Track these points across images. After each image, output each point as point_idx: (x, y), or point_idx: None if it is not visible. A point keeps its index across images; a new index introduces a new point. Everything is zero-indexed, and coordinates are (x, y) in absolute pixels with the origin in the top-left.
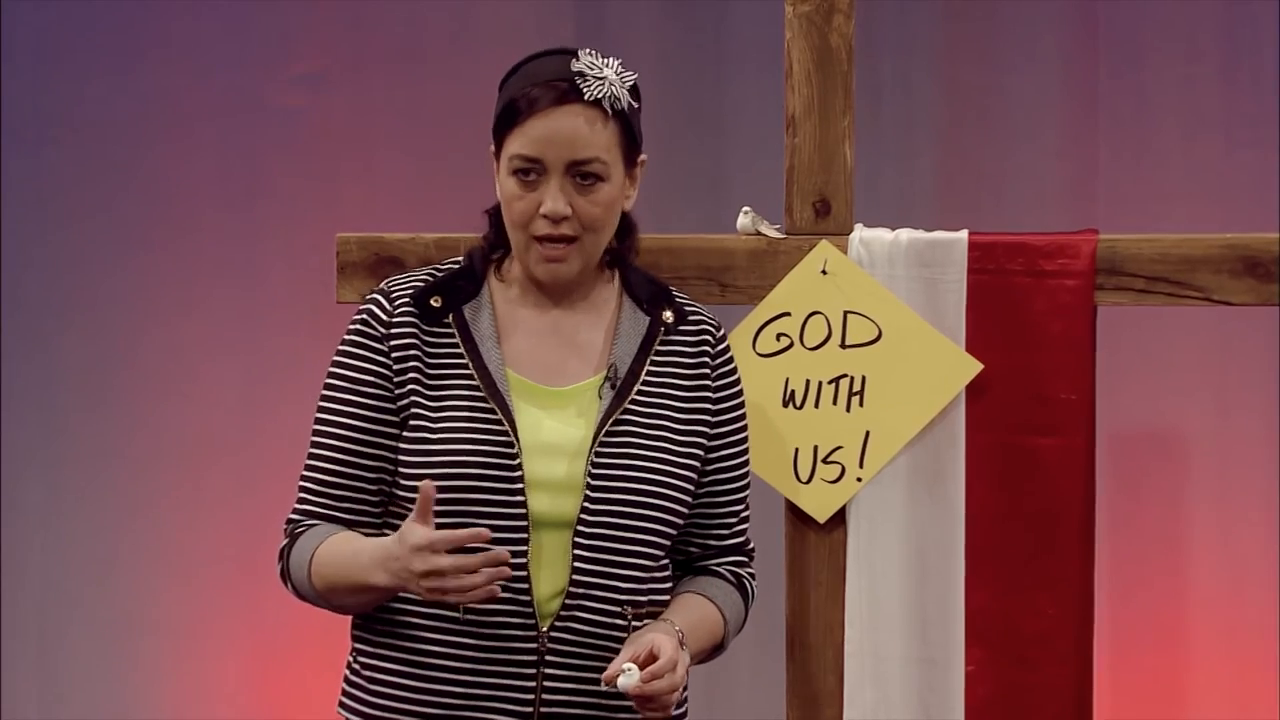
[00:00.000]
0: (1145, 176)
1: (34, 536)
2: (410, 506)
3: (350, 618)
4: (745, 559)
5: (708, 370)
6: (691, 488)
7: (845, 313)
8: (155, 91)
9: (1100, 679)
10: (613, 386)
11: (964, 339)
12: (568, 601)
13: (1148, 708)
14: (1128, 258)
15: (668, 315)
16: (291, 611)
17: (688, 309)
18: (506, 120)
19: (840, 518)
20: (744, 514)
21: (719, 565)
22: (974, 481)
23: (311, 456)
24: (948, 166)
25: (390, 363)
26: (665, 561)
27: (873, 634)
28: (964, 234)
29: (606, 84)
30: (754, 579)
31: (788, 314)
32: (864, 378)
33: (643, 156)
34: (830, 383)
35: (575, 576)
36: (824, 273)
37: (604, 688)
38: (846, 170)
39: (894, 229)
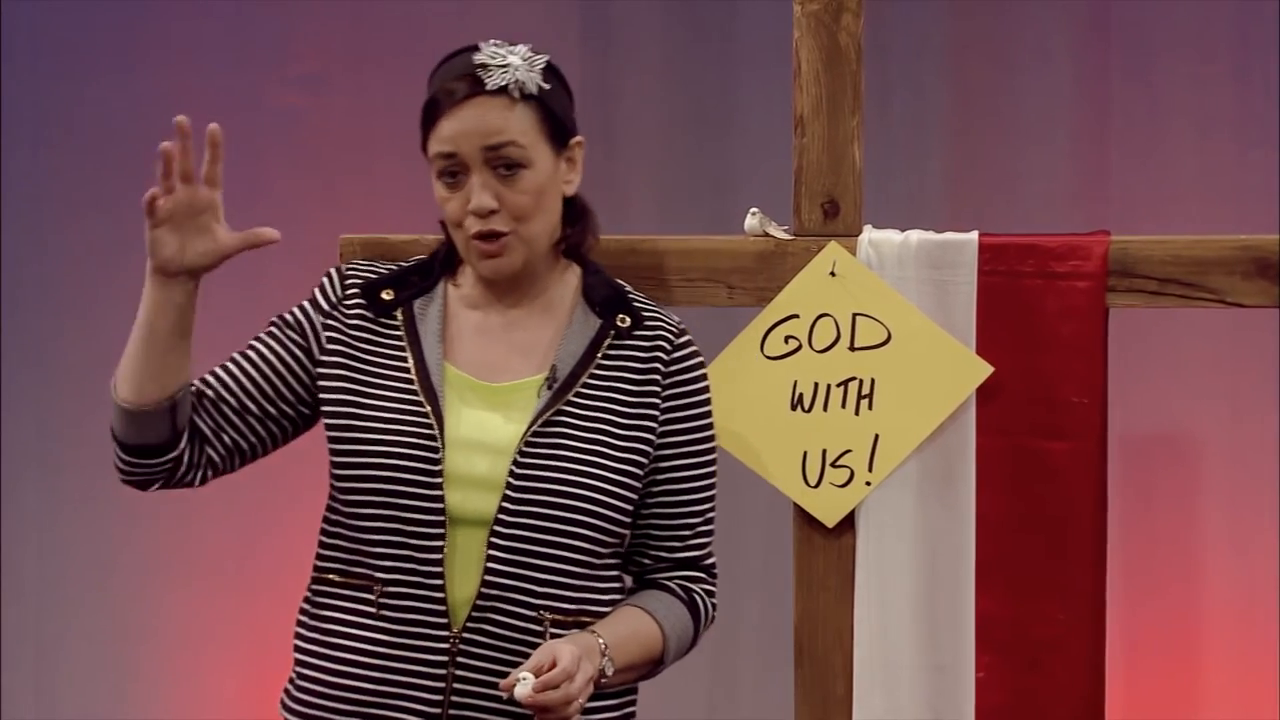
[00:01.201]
0: (1157, 177)
1: (32, 540)
2: (343, 496)
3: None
4: (702, 574)
5: (659, 375)
6: (631, 495)
7: (854, 315)
8: (155, 92)
9: (1112, 685)
10: (551, 386)
11: (974, 341)
12: (480, 602)
13: (1160, 713)
14: (1140, 259)
15: (623, 320)
16: (289, 616)
17: (646, 313)
18: (425, 124)
19: (849, 522)
20: (701, 528)
21: (669, 579)
22: (984, 485)
23: (222, 364)
24: (958, 167)
25: (318, 339)
26: (611, 570)
27: (882, 640)
28: (974, 235)
29: (510, 70)
30: (711, 596)
31: (796, 316)
32: (873, 380)
33: (577, 138)
34: (839, 385)
35: (488, 577)
36: (833, 274)
37: (504, 696)
38: (855, 171)
39: (903, 230)
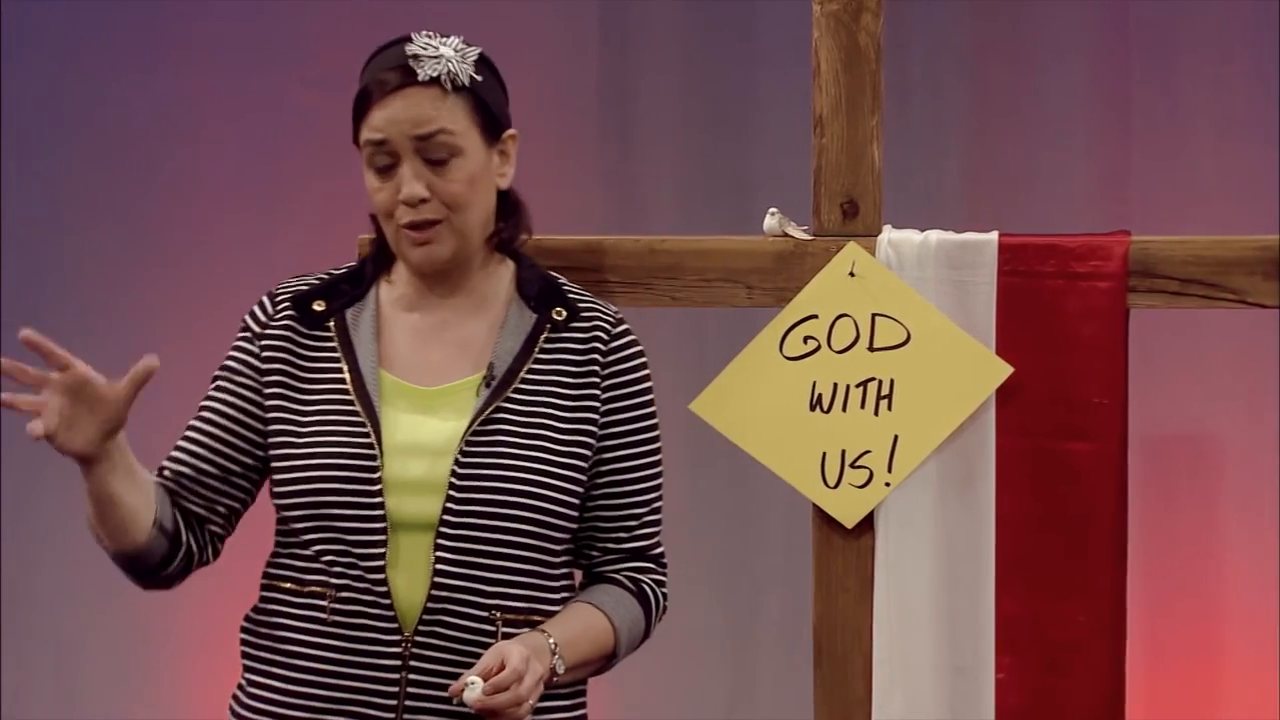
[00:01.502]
0: (1177, 177)
1: (49, 545)
2: (288, 512)
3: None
4: (651, 565)
5: (597, 366)
6: (577, 489)
7: (873, 315)
8: (174, 92)
9: (1133, 686)
10: (489, 384)
11: (994, 342)
12: (430, 605)
13: (1180, 714)
14: (1161, 259)
15: (558, 312)
16: None
17: (582, 305)
18: (357, 115)
19: (868, 523)
20: (648, 517)
21: (617, 571)
22: (1004, 486)
23: (182, 437)
24: (977, 167)
25: (259, 365)
26: (562, 566)
27: (902, 641)
28: (994, 235)
29: (442, 61)
30: (662, 586)
31: (815, 316)
32: (892, 381)
33: (511, 131)
34: (858, 386)
35: (437, 580)
36: (852, 275)
37: (454, 702)
38: (875, 171)
39: (923, 230)
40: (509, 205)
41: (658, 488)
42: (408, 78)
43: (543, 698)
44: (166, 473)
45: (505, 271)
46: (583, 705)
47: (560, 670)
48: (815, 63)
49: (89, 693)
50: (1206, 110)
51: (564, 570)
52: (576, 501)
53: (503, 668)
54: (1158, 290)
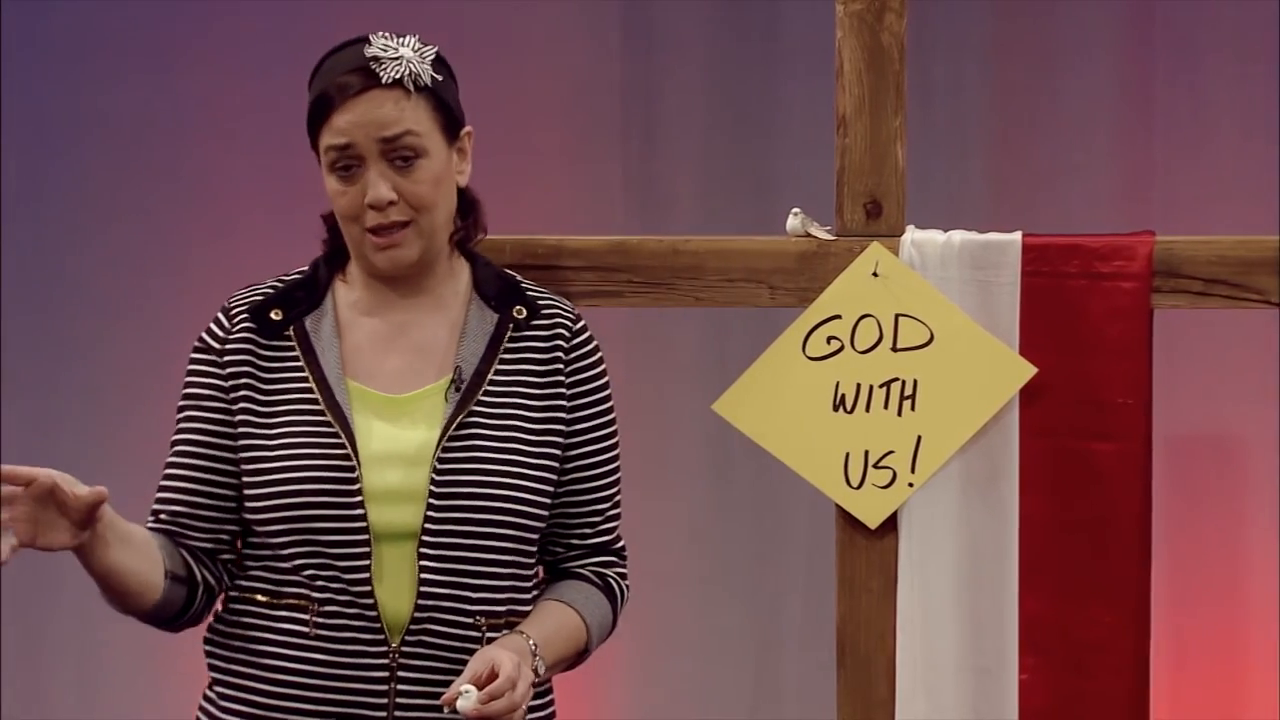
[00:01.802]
0: (1202, 177)
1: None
2: (263, 527)
3: (203, 639)
4: (614, 558)
5: (561, 364)
6: (550, 488)
7: (897, 315)
8: (195, 91)
9: (1157, 687)
10: (457, 389)
11: (1017, 342)
12: (417, 615)
13: (1205, 716)
14: (1185, 259)
15: (519, 311)
16: None
17: (541, 302)
18: (316, 119)
19: (892, 523)
20: (610, 511)
21: (583, 567)
22: (1028, 487)
23: (164, 477)
24: (1001, 167)
25: (224, 384)
26: (533, 566)
27: (925, 641)
28: (1018, 236)
29: (404, 63)
30: (624, 579)
31: (838, 317)
32: (916, 381)
33: (467, 129)
34: (881, 386)
35: (423, 589)
36: (875, 275)
37: (445, 712)
38: (898, 171)
39: (946, 230)
40: (466, 203)
41: (618, 481)
42: (370, 80)
43: None
44: (163, 516)
45: (462, 271)
46: (552, 703)
47: (540, 671)
48: (839, 63)
49: (109, 694)
50: (1230, 110)
51: (535, 568)
52: (549, 501)
53: (493, 674)
54: (1182, 290)
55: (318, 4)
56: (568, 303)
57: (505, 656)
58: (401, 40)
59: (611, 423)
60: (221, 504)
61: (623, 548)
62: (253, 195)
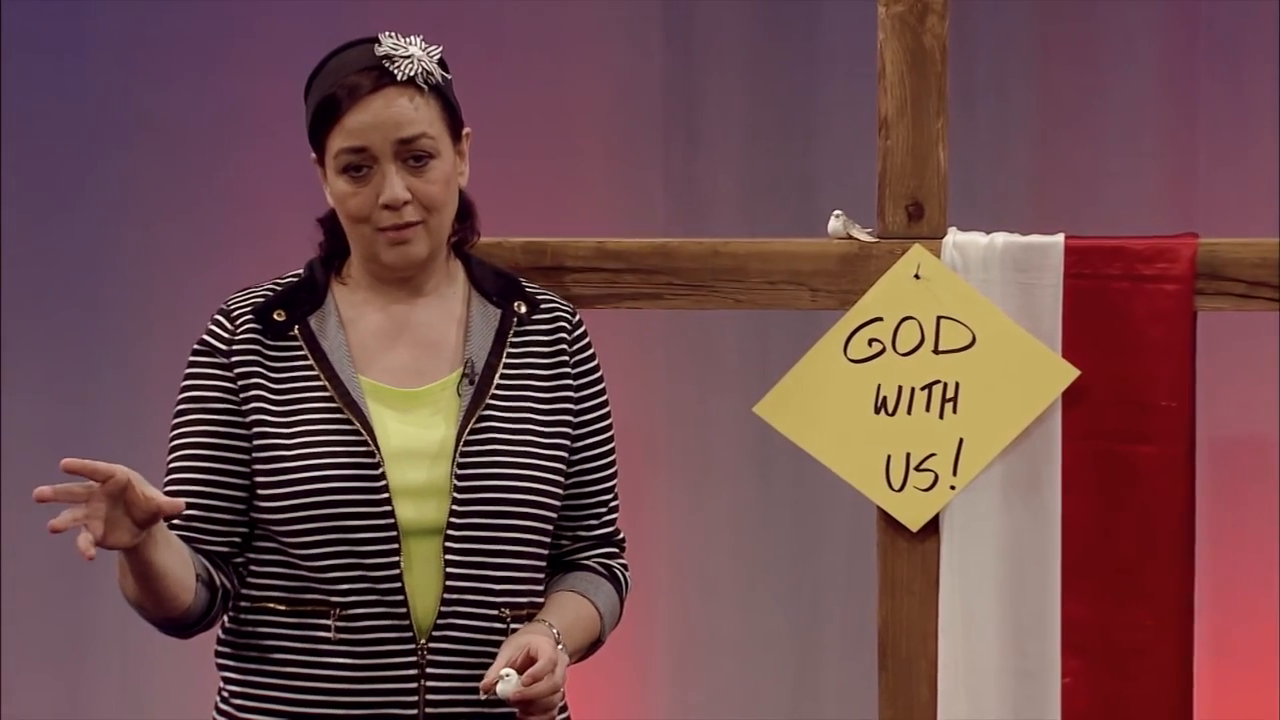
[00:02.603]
0: (1245, 179)
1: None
2: (271, 529)
3: (215, 648)
4: (616, 549)
5: (566, 358)
6: (562, 480)
7: (939, 318)
8: (237, 94)
9: (1200, 690)
10: (471, 383)
11: (1060, 345)
12: (443, 610)
13: (1248, 719)
14: (1229, 262)
15: (519, 307)
16: None
17: (540, 298)
18: (324, 120)
19: (933, 526)
20: (613, 503)
21: (589, 559)
22: (1070, 490)
23: (167, 484)
24: (1043, 169)
25: (234, 383)
26: (546, 559)
27: (967, 644)
28: (1060, 238)
29: (415, 61)
30: (626, 570)
31: (880, 319)
32: (958, 384)
33: (467, 130)
34: (923, 389)
35: (449, 583)
36: (917, 277)
37: (482, 696)
38: (940, 173)
39: (989, 233)
40: (462, 206)
41: (616, 473)
42: (384, 78)
43: None
44: (176, 520)
45: (458, 270)
46: (565, 709)
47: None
48: (880, 64)
49: (153, 694)
50: (1275, 111)
51: (545, 560)
52: (562, 492)
53: (529, 658)
54: (1225, 293)
55: (356, 7)
56: (563, 299)
57: (543, 641)
58: (409, 40)
59: (609, 415)
60: (234, 506)
61: (623, 539)
62: (290, 198)
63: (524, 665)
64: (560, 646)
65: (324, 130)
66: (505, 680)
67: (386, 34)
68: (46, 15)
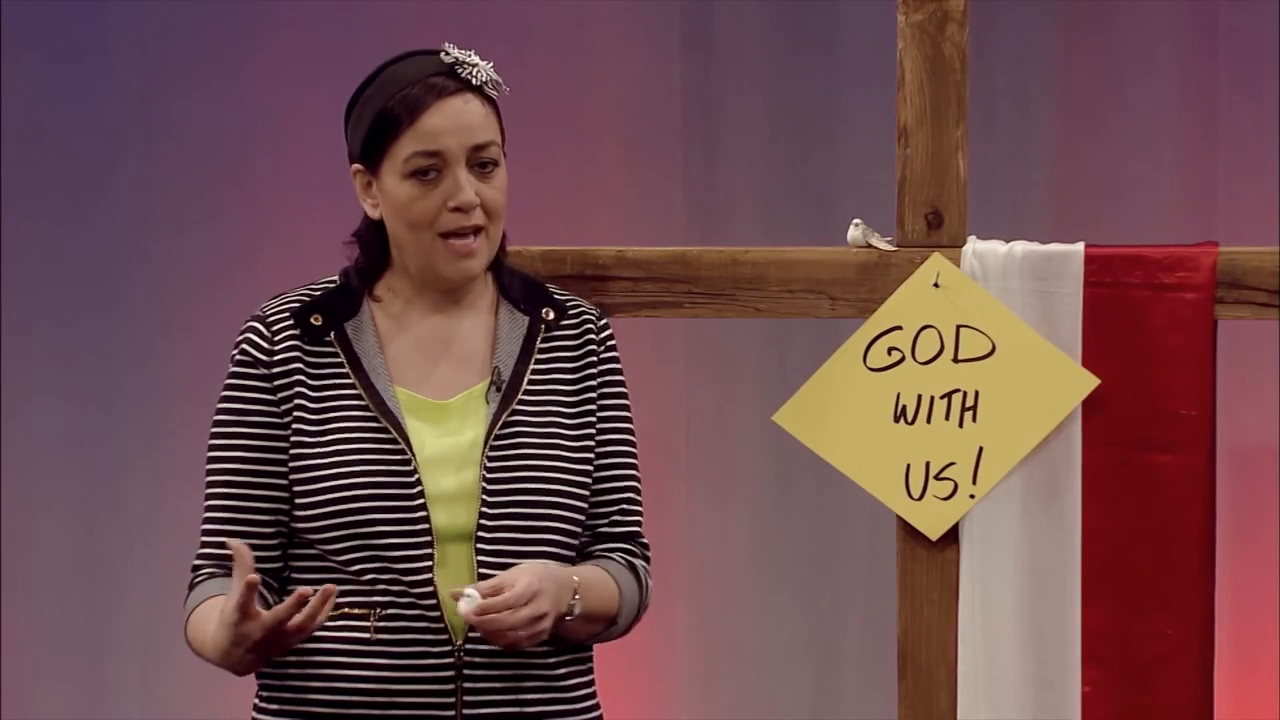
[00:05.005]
0: (1266, 187)
1: (137, 548)
2: (308, 535)
3: None
4: (637, 550)
5: (595, 360)
6: (589, 481)
7: (958, 327)
8: (262, 102)
9: (1221, 700)
10: (498, 390)
11: (1080, 353)
12: None
13: None
14: (1249, 270)
15: (548, 313)
16: None
17: (568, 304)
18: (390, 125)
19: (953, 535)
20: (635, 506)
21: (611, 552)
22: (1090, 499)
23: (209, 499)
24: (1063, 177)
25: (274, 392)
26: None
27: (987, 653)
28: (1080, 246)
29: (481, 70)
30: (649, 574)
31: (899, 328)
32: (977, 393)
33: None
34: (943, 398)
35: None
36: (936, 286)
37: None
38: (960, 181)
39: (1008, 241)
40: None
41: (639, 478)
42: (459, 83)
43: (572, 698)
44: (217, 538)
45: (488, 278)
46: (597, 707)
47: (576, 611)
48: (900, 73)
49: (174, 696)
50: None
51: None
52: (589, 494)
53: (496, 590)
54: (1245, 301)
55: (382, 15)
56: (590, 304)
57: (524, 582)
58: (467, 50)
59: (630, 416)
60: (274, 519)
61: (646, 544)
62: (313, 205)
63: (492, 594)
64: (575, 599)
65: (389, 135)
66: (467, 599)
67: (446, 45)
68: (70, 21)
